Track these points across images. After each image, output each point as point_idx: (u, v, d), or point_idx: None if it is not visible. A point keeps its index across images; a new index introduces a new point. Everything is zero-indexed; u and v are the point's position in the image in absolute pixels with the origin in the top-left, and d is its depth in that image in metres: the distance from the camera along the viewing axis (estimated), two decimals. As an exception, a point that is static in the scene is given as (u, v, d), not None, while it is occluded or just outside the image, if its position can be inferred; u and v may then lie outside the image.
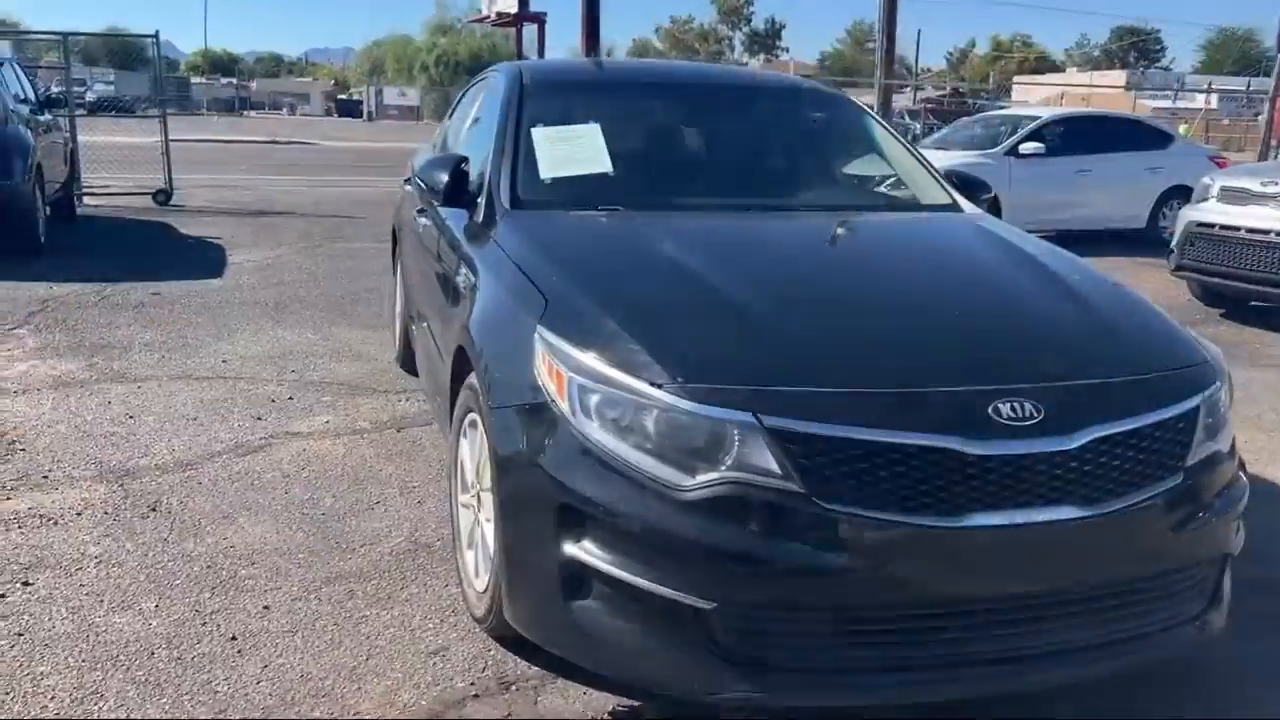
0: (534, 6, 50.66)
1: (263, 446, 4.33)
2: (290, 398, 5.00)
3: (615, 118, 3.76)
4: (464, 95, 5.12)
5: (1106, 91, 38.52)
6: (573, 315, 2.53)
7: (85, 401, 4.83)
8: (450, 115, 5.24)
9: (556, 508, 2.32)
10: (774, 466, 2.14)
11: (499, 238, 3.13)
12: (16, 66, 9.82)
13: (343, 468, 4.13)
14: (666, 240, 3.01)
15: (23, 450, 4.17)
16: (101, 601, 3.00)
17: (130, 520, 3.56)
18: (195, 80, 62.92)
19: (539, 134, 3.55)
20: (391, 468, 4.15)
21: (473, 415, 2.86)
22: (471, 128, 4.33)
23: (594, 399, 2.31)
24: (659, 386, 2.25)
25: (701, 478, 2.18)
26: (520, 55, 55.10)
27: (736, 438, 2.17)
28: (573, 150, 3.49)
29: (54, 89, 14.00)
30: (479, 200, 3.44)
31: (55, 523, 3.52)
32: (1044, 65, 73.66)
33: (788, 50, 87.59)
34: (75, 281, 7.54)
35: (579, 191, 3.43)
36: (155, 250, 9.25)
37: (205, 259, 8.87)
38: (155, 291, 7.32)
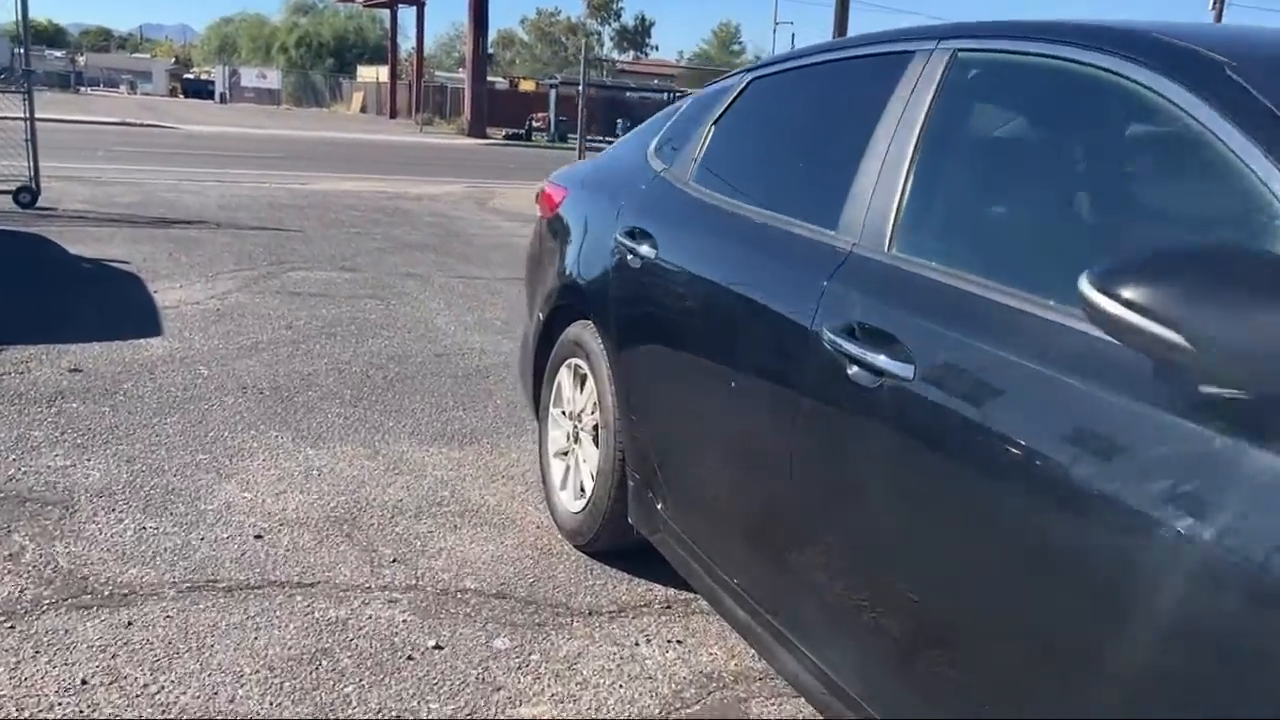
0: (413, -12, 47.49)
1: (477, 830, 2.01)
2: (435, 645, 2.65)
3: None
4: (749, 87, 2.82)
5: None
6: None
7: (39, 676, 2.37)
8: (716, 121, 2.87)
9: None
10: None
11: None
12: None
13: None
14: None
15: None
16: None
17: None
18: (17, 51, 56.70)
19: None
20: None
21: None
22: (918, 185, 2.01)
23: None
24: None
25: None
26: (395, 40, 52.09)
27: None
28: None
29: None
30: None
31: None
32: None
33: (657, 48, 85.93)
34: (-62, 346, 4.87)
35: None
36: (44, 285, 6.51)
37: (123, 300, 6.22)
38: (73, 366, 4.73)
